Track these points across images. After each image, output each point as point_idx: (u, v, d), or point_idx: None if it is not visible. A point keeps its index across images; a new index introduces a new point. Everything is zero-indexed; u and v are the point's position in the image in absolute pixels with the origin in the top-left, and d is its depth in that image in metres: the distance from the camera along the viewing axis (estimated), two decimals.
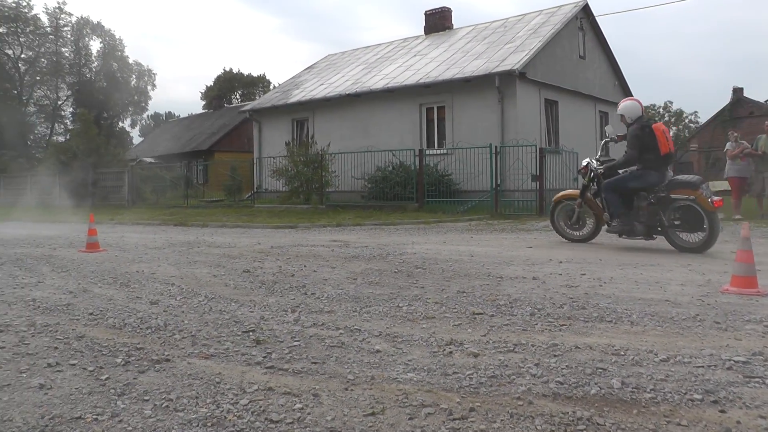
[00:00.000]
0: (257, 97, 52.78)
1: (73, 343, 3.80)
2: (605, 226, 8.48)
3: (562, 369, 3.04)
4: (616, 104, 23.35)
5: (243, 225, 14.36)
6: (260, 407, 2.66)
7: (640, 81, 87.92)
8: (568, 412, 2.50)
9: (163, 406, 2.72)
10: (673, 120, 67.79)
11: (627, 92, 24.47)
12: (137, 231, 13.69)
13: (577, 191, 9.00)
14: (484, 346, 3.50)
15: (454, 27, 24.74)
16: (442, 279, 5.82)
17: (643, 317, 4.08)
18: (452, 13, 25.15)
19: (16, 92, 52.83)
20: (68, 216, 19.32)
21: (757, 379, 2.84)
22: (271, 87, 63.00)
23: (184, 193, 23.91)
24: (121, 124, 62.20)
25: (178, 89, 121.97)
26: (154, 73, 66.97)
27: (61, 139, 51.66)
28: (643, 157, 7.90)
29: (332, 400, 2.73)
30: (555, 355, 3.28)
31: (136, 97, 61.02)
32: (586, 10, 21.65)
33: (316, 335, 3.83)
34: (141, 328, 4.14)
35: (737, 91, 45.88)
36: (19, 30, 51.81)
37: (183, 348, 3.64)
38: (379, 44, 26.59)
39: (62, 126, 56.48)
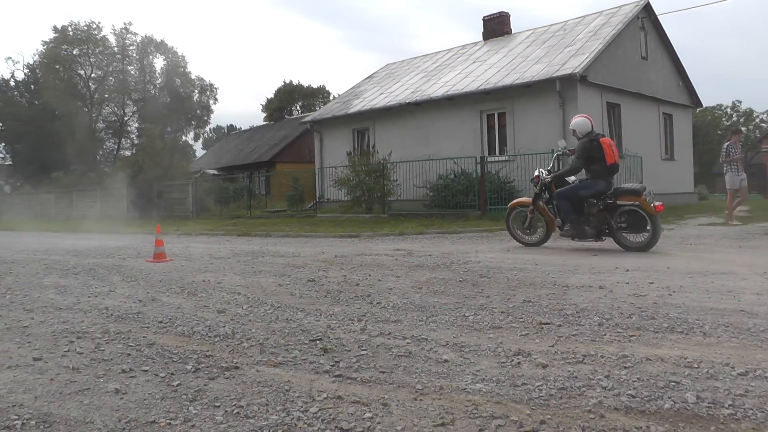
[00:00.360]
0: (317, 108, 53.40)
1: (145, 349, 3.91)
2: (555, 231, 9.32)
3: (634, 381, 2.97)
4: (680, 105, 23.02)
5: (306, 234, 14.53)
6: (330, 415, 2.68)
7: (706, 80, 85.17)
8: (641, 427, 2.45)
9: (234, 412, 2.77)
10: (742, 120, 65.50)
11: (692, 92, 23.77)
12: (202, 241, 14.05)
13: (530, 199, 9.71)
14: (553, 356, 3.46)
15: (513, 32, 24.52)
16: (507, 288, 5.78)
17: (716, 328, 3.95)
18: (510, 18, 24.95)
19: (86, 110, 55.13)
20: (135, 227, 20.02)
21: None
22: (331, 98, 63.68)
23: (246, 204, 24.41)
24: (184, 137, 64.07)
25: (240, 102, 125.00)
26: (216, 88, 68.58)
27: (127, 153, 53.61)
28: (591, 168, 8.76)
29: (402, 409, 2.73)
30: (625, 367, 3.21)
31: (198, 111, 62.67)
32: (647, 9, 21.11)
33: (383, 344, 3.85)
34: (209, 336, 4.23)
35: None
36: (89, 51, 54.31)
37: (251, 356, 3.70)
38: (438, 52, 26.56)
39: (128, 141, 58.51)
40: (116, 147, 58.34)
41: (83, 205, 30.62)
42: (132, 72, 58.07)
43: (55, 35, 53.09)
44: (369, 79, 27.24)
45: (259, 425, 2.61)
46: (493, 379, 3.11)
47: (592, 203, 8.70)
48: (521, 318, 4.45)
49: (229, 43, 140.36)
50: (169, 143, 49.05)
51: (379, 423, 2.60)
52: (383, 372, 3.29)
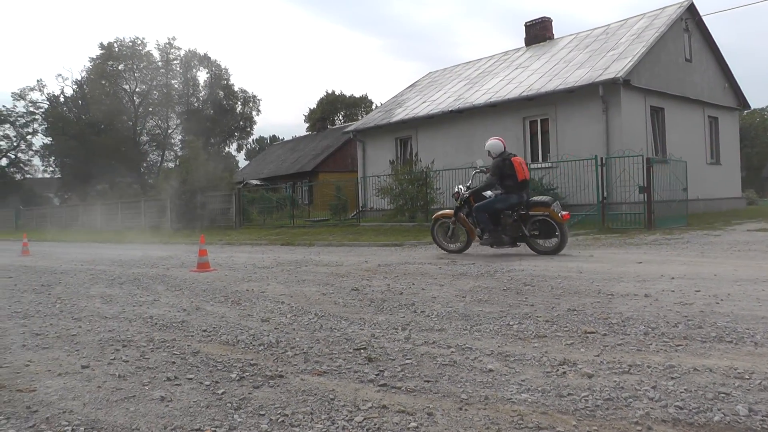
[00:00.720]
0: (359, 118, 53.75)
1: (189, 358, 3.97)
2: (476, 240, 10.34)
3: (681, 393, 2.92)
4: (726, 108, 22.54)
5: (349, 243, 14.63)
6: (375, 425, 2.68)
7: (755, 81, 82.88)
8: None
9: (279, 420, 2.78)
10: None
11: (738, 94, 23.23)
12: (245, 251, 14.23)
13: (452, 211, 10.70)
14: (598, 366, 3.43)
15: (555, 37, 24.35)
16: (551, 296, 5.74)
17: None
18: (553, 23, 24.78)
19: (131, 123, 56.56)
20: (179, 238, 20.38)
21: None
22: (373, 107, 64.00)
23: (289, 214, 24.66)
24: (227, 148, 65.14)
25: (283, 113, 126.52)
26: (258, 99, 69.60)
27: (171, 165, 54.95)
28: (504, 184, 9.84)
29: (447, 419, 2.73)
30: (672, 378, 3.16)
31: (241, 123, 63.60)
32: (691, 10, 20.75)
33: (428, 353, 3.85)
34: (253, 345, 4.27)
35: None
36: (134, 66, 55.88)
37: (296, 365, 3.72)
38: (480, 59, 26.52)
39: (172, 153, 59.84)
40: (160, 159, 59.68)
41: (128, 217, 31.43)
42: (176, 85, 59.50)
43: (101, 52, 54.91)
44: (411, 88, 27.33)
45: None
46: (539, 389, 3.09)
47: (508, 214, 9.82)
48: (566, 327, 4.42)
49: (272, 55, 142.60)
50: (213, 155, 49.91)
51: None
52: (428, 381, 3.29)
